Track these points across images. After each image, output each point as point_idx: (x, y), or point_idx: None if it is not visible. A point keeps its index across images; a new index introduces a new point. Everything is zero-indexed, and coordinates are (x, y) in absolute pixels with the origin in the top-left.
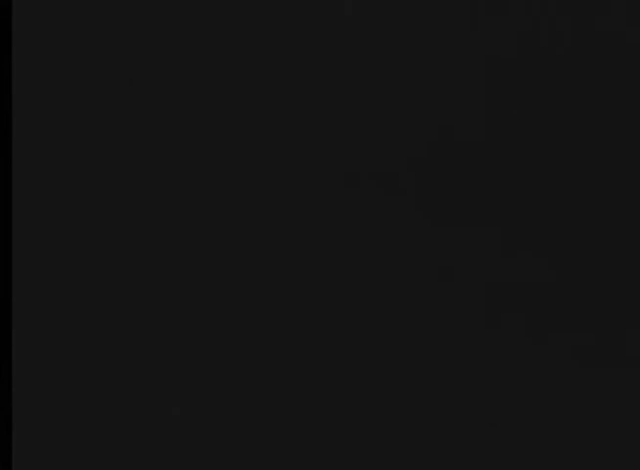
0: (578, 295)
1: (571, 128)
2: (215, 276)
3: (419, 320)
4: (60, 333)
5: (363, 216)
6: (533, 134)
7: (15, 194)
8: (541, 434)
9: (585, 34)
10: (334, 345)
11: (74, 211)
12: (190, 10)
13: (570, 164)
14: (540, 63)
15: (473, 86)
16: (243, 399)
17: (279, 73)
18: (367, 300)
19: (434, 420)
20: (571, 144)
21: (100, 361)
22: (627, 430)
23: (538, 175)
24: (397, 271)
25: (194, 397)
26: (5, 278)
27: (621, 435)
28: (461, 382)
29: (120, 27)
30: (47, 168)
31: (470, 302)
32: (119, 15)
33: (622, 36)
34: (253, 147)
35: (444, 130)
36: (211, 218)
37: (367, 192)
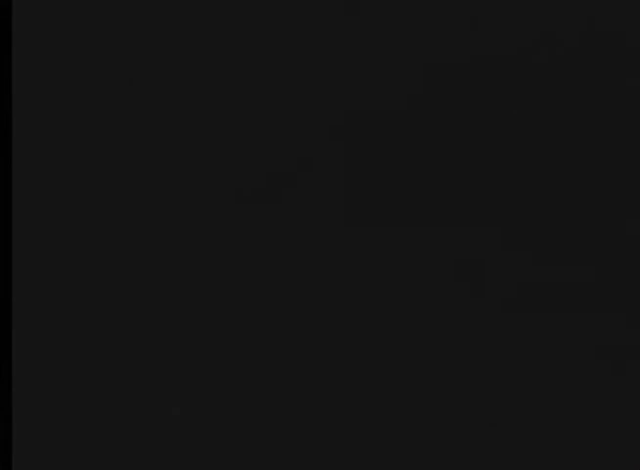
0: (577, 292)
1: (569, 128)
2: (215, 276)
3: (414, 309)
4: (60, 333)
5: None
6: (532, 135)
7: (15, 194)
8: (541, 434)
9: (585, 34)
10: (334, 344)
11: (74, 210)
12: (189, 9)
13: (567, 161)
14: (539, 62)
15: (473, 88)
16: (243, 399)
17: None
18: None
19: (435, 420)
20: (568, 141)
21: (100, 362)
22: (627, 430)
23: (537, 174)
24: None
25: (194, 397)
26: (5, 278)
27: (621, 435)
28: (461, 382)
29: (120, 27)
30: (47, 169)
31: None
32: (119, 15)
33: (622, 36)
34: (254, 138)
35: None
36: (211, 216)
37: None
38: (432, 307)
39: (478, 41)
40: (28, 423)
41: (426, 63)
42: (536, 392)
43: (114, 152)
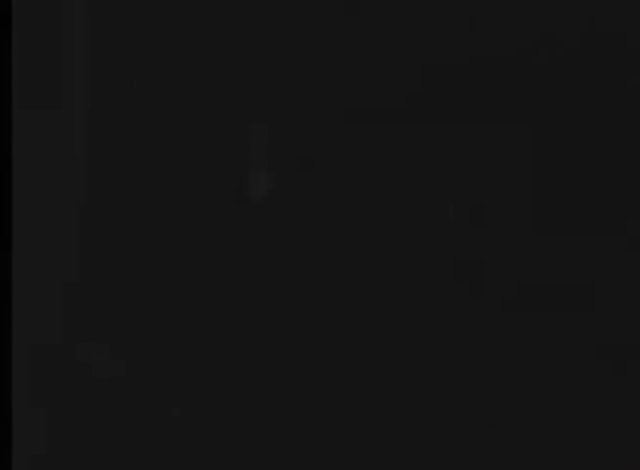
0: (577, 292)
1: (569, 127)
2: (214, 275)
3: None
4: (59, 333)
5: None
6: (532, 135)
7: (15, 194)
8: (541, 434)
9: (585, 34)
10: (333, 343)
11: (73, 210)
12: (189, 9)
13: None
14: (540, 62)
15: (474, 79)
16: (242, 400)
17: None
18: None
19: (435, 419)
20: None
21: (99, 361)
22: (627, 430)
23: (537, 174)
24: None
25: (194, 396)
26: (5, 278)
27: (621, 435)
28: (462, 382)
29: (120, 28)
30: (47, 168)
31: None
32: (119, 15)
33: (622, 36)
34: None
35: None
36: (209, 216)
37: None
38: (432, 307)
39: (478, 41)
40: (28, 423)
41: (426, 63)
42: (536, 391)
43: (114, 151)
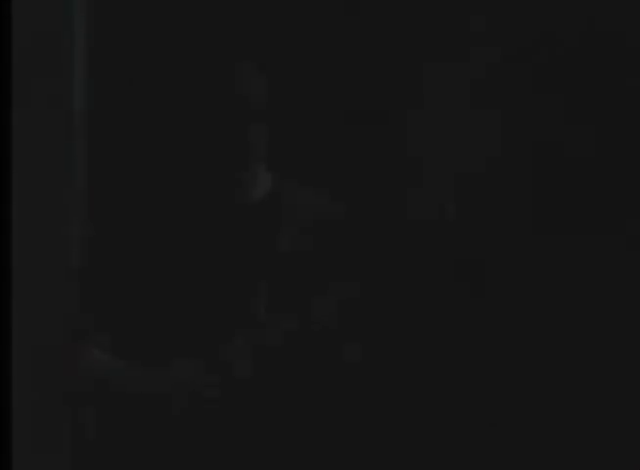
0: (577, 292)
1: (569, 128)
2: (214, 276)
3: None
4: (59, 333)
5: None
6: (532, 136)
7: (15, 194)
8: (541, 434)
9: (585, 34)
10: (334, 344)
11: (73, 209)
12: (189, 9)
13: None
14: (540, 62)
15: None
16: (243, 399)
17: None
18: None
19: (435, 420)
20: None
21: (101, 361)
22: (627, 430)
23: (537, 174)
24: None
25: (194, 396)
26: (5, 279)
27: (621, 435)
28: (462, 383)
29: (120, 28)
30: (47, 168)
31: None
32: (119, 15)
33: (622, 36)
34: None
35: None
36: (208, 216)
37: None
38: (431, 307)
39: (477, 41)
40: (28, 422)
41: (425, 63)
42: (536, 392)
43: (112, 152)
